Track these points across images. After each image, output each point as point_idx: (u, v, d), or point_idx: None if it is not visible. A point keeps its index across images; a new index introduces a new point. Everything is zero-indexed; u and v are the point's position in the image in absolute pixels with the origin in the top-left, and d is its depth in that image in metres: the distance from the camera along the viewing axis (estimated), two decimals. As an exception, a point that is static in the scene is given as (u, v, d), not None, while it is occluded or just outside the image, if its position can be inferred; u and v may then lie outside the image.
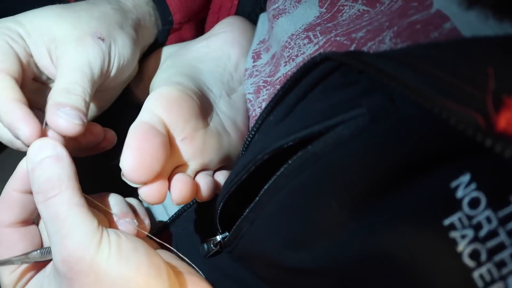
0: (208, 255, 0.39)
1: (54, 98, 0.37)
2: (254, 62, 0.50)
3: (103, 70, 0.41)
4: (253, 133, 0.37)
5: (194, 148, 0.40)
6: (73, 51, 0.40)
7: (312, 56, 0.39)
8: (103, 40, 0.42)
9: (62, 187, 0.33)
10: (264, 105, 0.44)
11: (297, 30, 0.43)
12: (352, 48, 0.35)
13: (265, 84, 0.47)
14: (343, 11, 0.40)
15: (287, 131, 0.31)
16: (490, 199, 0.24)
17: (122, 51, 0.44)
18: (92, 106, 0.46)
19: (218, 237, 0.37)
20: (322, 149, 0.28)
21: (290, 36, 0.42)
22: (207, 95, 0.46)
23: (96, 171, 0.46)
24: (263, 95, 0.46)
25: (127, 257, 0.32)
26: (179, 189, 0.38)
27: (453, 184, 0.25)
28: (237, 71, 0.51)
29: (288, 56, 0.42)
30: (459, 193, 0.25)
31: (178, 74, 0.46)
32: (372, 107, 0.27)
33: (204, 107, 0.43)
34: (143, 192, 0.36)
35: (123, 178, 0.35)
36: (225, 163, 0.44)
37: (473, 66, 0.24)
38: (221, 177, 0.42)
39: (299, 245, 0.30)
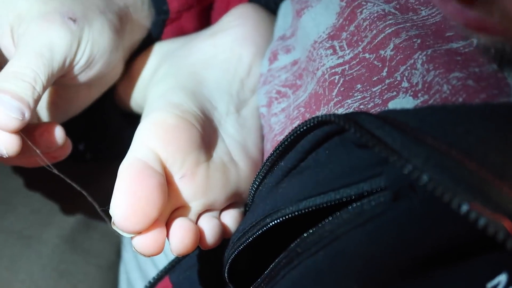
0: None
1: None
2: (270, 64, 0.44)
3: (68, 57, 0.37)
4: (260, 177, 0.35)
5: (195, 187, 0.36)
6: (35, 30, 0.36)
7: (336, 71, 0.34)
8: (74, 21, 0.38)
9: None
10: (274, 121, 0.41)
11: (320, 35, 0.39)
12: (384, 72, 0.32)
13: (278, 96, 0.42)
14: (364, 7, 0.37)
15: (301, 191, 0.30)
16: None
17: (97, 39, 0.39)
18: (57, 105, 0.42)
19: None
20: (338, 227, 0.27)
21: (313, 44, 0.39)
22: (211, 115, 0.42)
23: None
24: (274, 110, 0.42)
25: None
26: (180, 238, 0.34)
27: (489, 284, 0.24)
28: (250, 76, 0.45)
29: (312, 71, 0.39)
30: None
31: (177, 88, 0.41)
32: (395, 181, 0.26)
33: (206, 134, 0.39)
34: (137, 243, 0.33)
35: (114, 227, 0.32)
36: (233, 200, 0.40)
37: (506, 151, 0.23)
38: (229, 218, 0.39)
39: None
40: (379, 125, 0.26)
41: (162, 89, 0.41)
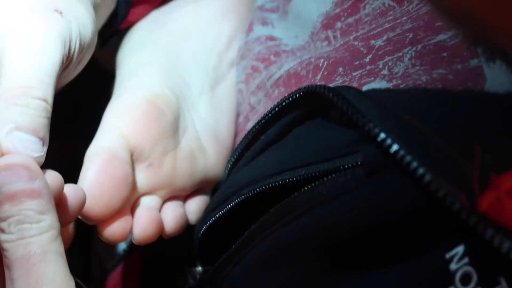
0: None
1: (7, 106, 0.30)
2: (246, 36, 0.45)
3: (64, 58, 0.33)
4: (239, 151, 0.37)
5: (161, 176, 0.38)
6: (23, 30, 0.32)
7: (322, 55, 0.36)
8: (60, 14, 0.33)
9: (42, 229, 0.28)
10: (254, 101, 0.42)
11: (315, 25, 0.40)
12: (367, 59, 0.33)
13: (252, 72, 0.43)
14: (366, 1, 0.39)
15: (280, 164, 0.32)
16: (480, 277, 0.25)
17: (83, 32, 0.35)
18: None
19: (198, 268, 0.39)
20: (312, 199, 0.30)
21: (311, 35, 0.41)
22: (184, 97, 0.42)
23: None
24: (251, 87, 0.43)
25: None
26: (142, 228, 0.36)
27: (448, 255, 0.26)
28: (229, 50, 0.45)
29: (300, 56, 0.40)
30: (453, 266, 0.26)
31: (151, 65, 0.41)
32: (369, 158, 0.28)
33: (177, 119, 0.40)
34: (103, 230, 0.35)
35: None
36: (200, 187, 0.42)
37: (474, 133, 0.26)
38: (194, 205, 0.41)
39: None
40: (361, 98, 0.29)
41: (136, 62, 0.42)
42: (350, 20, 0.39)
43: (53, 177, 0.31)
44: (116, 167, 0.34)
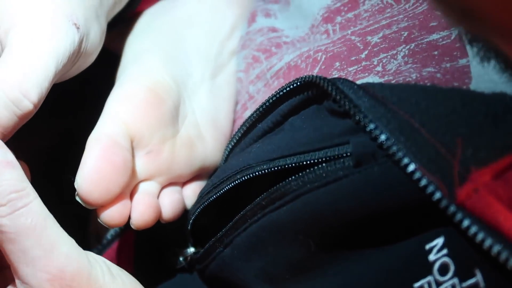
0: (175, 268, 0.41)
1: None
2: (248, 27, 0.46)
3: (66, 67, 0.35)
4: (237, 138, 0.39)
5: (160, 163, 0.39)
6: (36, 31, 0.33)
7: (320, 48, 0.38)
8: (78, 28, 0.35)
9: (30, 196, 0.30)
10: (253, 90, 0.43)
11: (316, 18, 0.42)
12: (363, 55, 0.34)
13: (252, 61, 0.44)
14: None
15: (274, 151, 0.33)
16: (457, 268, 0.27)
17: (90, 47, 0.37)
18: None
19: (190, 250, 0.40)
20: (303, 185, 0.31)
21: (311, 28, 0.42)
22: (185, 84, 0.42)
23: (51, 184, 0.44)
24: (251, 76, 0.44)
25: (120, 277, 0.33)
26: (140, 213, 0.37)
27: (428, 246, 0.28)
28: (231, 39, 0.46)
29: (299, 48, 0.41)
30: (432, 257, 0.28)
31: (153, 51, 0.42)
32: (358, 149, 0.30)
33: (177, 107, 0.41)
34: (102, 214, 0.36)
35: (77, 199, 0.36)
36: (198, 174, 0.42)
37: (458, 128, 0.27)
38: (192, 191, 0.41)
39: (271, 280, 0.33)
40: (354, 89, 0.31)
41: (139, 48, 0.43)
42: (350, 15, 0.41)
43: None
44: (115, 154, 0.35)
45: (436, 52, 0.34)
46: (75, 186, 0.35)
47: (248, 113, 0.43)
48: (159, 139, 0.38)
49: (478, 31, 0.23)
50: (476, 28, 0.23)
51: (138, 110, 0.37)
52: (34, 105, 0.32)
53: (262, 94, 0.43)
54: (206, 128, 0.42)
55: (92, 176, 0.34)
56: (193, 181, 0.42)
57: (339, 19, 0.41)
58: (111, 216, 0.36)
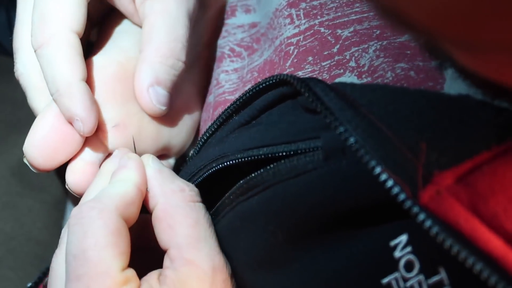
0: None
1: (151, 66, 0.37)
2: (226, 19, 0.48)
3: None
4: (212, 129, 0.39)
5: (126, 137, 0.39)
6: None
7: (291, 41, 0.36)
8: None
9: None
10: (223, 78, 0.45)
11: (281, 3, 0.43)
12: (335, 49, 0.33)
13: (231, 54, 0.46)
14: None
15: (250, 143, 0.34)
16: (422, 265, 0.27)
17: None
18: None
19: None
20: (273, 177, 0.32)
21: (274, 12, 0.43)
22: None
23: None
24: (226, 67, 0.45)
25: None
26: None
27: (392, 242, 0.29)
28: (208, 28, 0.48)
29: (271, 39, 0.43)
30: (397, 253, 0.28)
31: (130, 31, 0.43)
32: (328, 144, 0.31)
33: None
34: (68, 179, 0.37)
35: (25, 161, 0.37)
36: (163, 152, 0.44)
37: (423, 131, 0.28)
38: None
39: (244, 268, 0.34)
40: (326, 91, 0.31)
41: (118, 28, 0.43)
42: (315, 3, 0.41)
43: None
44: (66, 123, 0.36)
45: (408, 52, 0.34)
46: (23, 149, 0.36)
47: (211, 98, 0.45)
48: (126, 113, 0.39)
49: (427, 40, 0.24)
50: (424, 37, 0.23)
51: (106, 84, 0.38)
52: (185, 63, 0.39)
53: (233, 86, 0.44)
54: (174, 107, 0.43)
55: (39, 142, 0.35)
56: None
57: (303, 5, 0.41)
58: (74, 181, 0.36)
